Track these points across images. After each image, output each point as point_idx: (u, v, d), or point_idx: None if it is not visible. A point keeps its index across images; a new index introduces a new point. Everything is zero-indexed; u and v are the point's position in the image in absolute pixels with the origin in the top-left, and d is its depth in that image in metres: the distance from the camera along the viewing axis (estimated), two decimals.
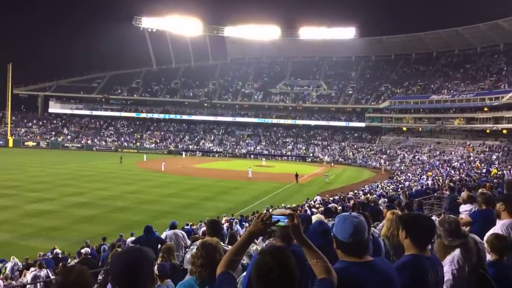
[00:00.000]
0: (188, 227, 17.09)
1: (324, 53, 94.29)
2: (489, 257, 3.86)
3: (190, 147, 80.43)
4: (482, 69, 74.21)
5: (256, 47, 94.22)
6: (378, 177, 48.91)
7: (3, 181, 35.09)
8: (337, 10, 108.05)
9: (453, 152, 55.82)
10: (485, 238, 4.09)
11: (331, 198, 26.13)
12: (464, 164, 43.46)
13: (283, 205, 22.71)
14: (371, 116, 78.60)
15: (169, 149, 79.01)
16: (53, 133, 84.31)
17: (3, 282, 10.63)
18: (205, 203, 29.86)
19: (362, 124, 79.42)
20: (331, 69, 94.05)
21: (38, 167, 46.67)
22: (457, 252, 3.55)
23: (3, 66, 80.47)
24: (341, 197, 26.28)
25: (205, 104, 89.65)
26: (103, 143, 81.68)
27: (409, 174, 44.06)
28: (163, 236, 10.34)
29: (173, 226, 10.63)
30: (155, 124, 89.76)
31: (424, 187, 24.78)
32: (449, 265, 3.47)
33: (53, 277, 10.21)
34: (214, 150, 79.01)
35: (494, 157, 46.07)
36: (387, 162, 63.06)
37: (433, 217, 9.95)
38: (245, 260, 5.09)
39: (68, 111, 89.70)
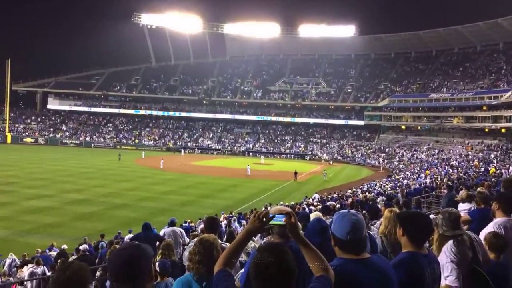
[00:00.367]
0: (186, 224, 17.08)
1: (323, 51, 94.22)
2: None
3: (189, 144, 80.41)
4: (481, 67, 74.27)
5: (255, 44, 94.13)
6: (377, 175, 48.97)
7: (1, 178, 35.04)
8: (337, 8, 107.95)
9: (451, 151, 55.90)
10: (482, 236, 4.11)
11: (330, 196, 26.14)
12: (462, 163, 43.50)
13: (281, 202, 22.73)
14: (370, 114, 78.64)
15: (167, 146, 78.97)
16: (52, 129, 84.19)
17: (1, 278, 10.62)
18: (203, 200, 29.87)
19: (361, 122, 79.45)
20: (330, 67, 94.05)
21: (37, 163, 46.61)
22: (450, 242, 3.59)
23: (1, 62, 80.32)
24: (340, 195, 26.30)
25: (204, 102, 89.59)
26: (102, 139, 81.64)
27: (407, 173, 44.11)
28: (161, 233, 10.34)
29: (172, 223, 10.63)
30: (153, 121, 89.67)
31: (423, 185, 24.83)
32: (444, 256, 3.50)
33: (49, 273, 10.20)
34: (213, 147, 79.01)
35: (492, 156, 46.14)
36: (385, 161, 63.15)
37: (431, 216, 9.97)
38: (243, 257, 5.10)
39: (67, 108, 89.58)
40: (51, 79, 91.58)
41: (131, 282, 2.03)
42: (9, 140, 76.35)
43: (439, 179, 28.12)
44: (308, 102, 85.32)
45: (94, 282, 9.25)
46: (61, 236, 18.93)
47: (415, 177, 36.88)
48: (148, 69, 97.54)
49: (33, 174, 38.30)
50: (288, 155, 74.86)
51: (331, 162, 64.67)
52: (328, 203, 16.22)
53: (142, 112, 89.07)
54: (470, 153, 51.14)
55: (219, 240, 4.24)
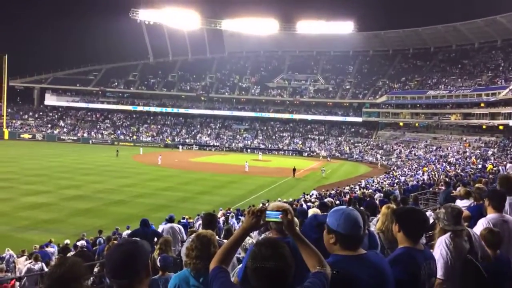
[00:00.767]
0: (184, 220, 17.10)
1: (322, 48, 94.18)
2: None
3: (187, 140, 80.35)
4: (479, 64, 74.35)
5: (253, 41, 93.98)
6: (375, 172, 49.09)
7: None
8: (335, 4, 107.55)
9: (449, 148, 56.02)
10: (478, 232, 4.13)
11: (328, 193, 26.20)
12: (460, 160, 43.63)
13: (279, 199, 22.75)
14: (368, 111, 78.71)
15: (165, 142, 78.90)
16: (49, 125, 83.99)
17: None
18: (201, 197, 29.90)
19: (359, 119, 79.53)
20: (328, 63, 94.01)
21: (34, 159, 46.52)
22: (446, 235, 3.62)
23: None
24: (338, 192, 26.36)
25: (202, 98, 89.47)
26: (100, 136, 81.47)
27: (405, 169, 44.22)
28: (159, 229, 10.36)
29: (170, 220, 10.63)
30: (151, 118, 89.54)
31: (420, 182, 24.91)
32: (437, 246, 3.54)
33: (47, 270, 10.20)
34: (211, 144, 78.96)
35: (490, 152, 46.26)
36: (383, 157, 63.27)
37: (428, 212, 10.00)
38: (241, 254, 5.12)
39: (64, 104, 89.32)
40: (49, 75, 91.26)
41: (129, 279, 2.04)
42: (6, 136, 76.08)
43: (436, 176, 28.22)
44: (306, 98, 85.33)
45: (92, 278, 9.26)
46: (59, 232, 18.93)
47: (412, 173, 36.99)
48: (146, 65, 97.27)
49: (31, 170, 38.24)
50: (286, 151, 74.89)
51: (329, 159, 64.74)
52: (326, 200, 16.24)
53: (140, 108, 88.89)
54: (467, 150, 51.26)
55: (217, 237, 4.25)
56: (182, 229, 10.05)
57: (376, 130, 78.42)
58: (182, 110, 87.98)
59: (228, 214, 18.72)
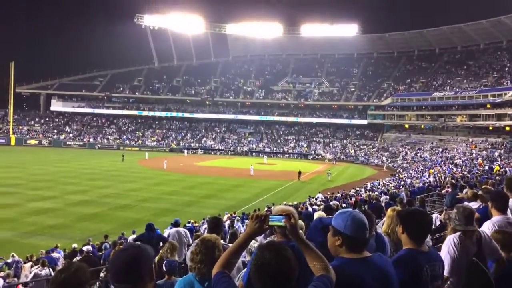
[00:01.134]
0: (190, 224, 17.09)
1: (326, 50, 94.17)
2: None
3: (192, 145, 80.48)
4: (485, 66, 74.00)
5: (258, 44, 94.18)
6: (380, 174, 48.89)
7: (5, 179, 35.19)
8: (339, 7, 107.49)
9: (455, 149, 55.69)
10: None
11: (333, 196, 26.12)
12: (466, 161, 43.35)
13: (284, 202, 22.69)
14: (373, 113, 78.49)
15: (171, 147, 79.10)
16: (55, 131, 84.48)
17: (6, 279, 10.62)
18: (206, 200, 29.90)
19: (364, 122, 79.32)
20: (333, 66, 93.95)
21: (40, 165, 46.79)
22: (456, 234, 3.61)
23: (5, 65, 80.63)
24: (343, 195, 26.27)
25: (207, 102, 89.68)
26: (105, 141, 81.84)
27: (411, 172, 43.99)
28: (165, 234, 10.34)
29: (176, 224, 10.62)
30: (157, 122, 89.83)
31: (426, 184, 24.76)
32: (445, 244, 3.53)
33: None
34: (216, 148, 79.06)
35: (496, 154, 45.94)
36: (389, 160, 63.03)
37: (435, 214, 9.94)
38: (246, 257, 5.11)
39: (70, 109, 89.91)
40: (55, 81, 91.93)
41: (132, 283, 2.02)
42: (13, 142, 76.67)
43: (442, 178, 28.04)
44: (311, 101, 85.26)
45: (98, 283, 9.27)
46: (65, 237, 19.00)
47: (418, 176, 36.78)
48: (151, 70, 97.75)
49: (37, 175, 38.45)
50: (291, 154, 74.80)
51: (334, 162, 64.58)
52: (331, 203, 16.20)
53: (145, 113, 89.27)
54: (474, 151, 50.94)
55: (221, 241, 4.24)
56: (188, 233, 10.04)
57: (382, 133, 78.16)
58: (187, 115, 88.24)
59: (233, 218, 18.70)
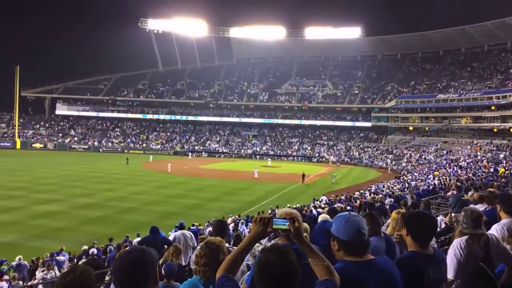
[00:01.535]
0: (194, 227, 17.11)
1: (329, 53, 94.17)
2: None
3: (196, 148, 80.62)
4: (489, 67, 73.68)
5: (261, 47, 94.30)
6: (385, 177, 48.70)
7: (11, 183, 35.39)
8: (342, 10, 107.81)
9: (460, 152, 55.39)
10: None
11: (337, 198, 26.04)
12: (471, 164, 43.09)
13: (288, 205, 22.67)
14: (377, 115, 78.28)
15: (175, 150, 79.24)
16: (60, 134, 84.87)
17: (12, 282, 10.65)
18: (211, 203, 29.90)
19: (368, 124, 79.14)
20: (336, 68, 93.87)
21: (46, 168, 46.99)
22: (463, 238, 3.58)
23: (10, 69, 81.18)
24: (347, 197, 26.19)
25: (211, 105, 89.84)
26: (110, 144, 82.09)
27: (415, 174, 43.78)
28: (171, 237, 10.34)
29: (181, 227, 10.62)
30: (161, 125, 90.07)
31: (431, 187, 24.64)
32: (451, 247, 3.52)
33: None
34: (220, 150, 79.10)
35: (501, 156, 45.60)
36: (393, 162, 62.78)
37: (440, 217, 9.90)
38: (250, 260, 5.10)
39: (75, 113, 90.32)
40: (60, 85, 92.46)
41: (136, 286, 2.02)
42: (18, 145, 77.08)
43: (447, 180, 27.89)
44: (315, 104, 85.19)
45: (102, 286, 9.28)
46: (70, 240, 19.05)
47: (423, 178, 36.59)
48: (155, 73, 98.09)
49: (42, 179, 38.61)
50: (295, 157, 74.72)
51: (338, 164, 64.42)
52: (335, 205, 16.17)
53: (149, 116, 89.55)
54: (478, 153, 50.64)
55: (226, 244, 4.24)
56: (193, 236, 10.04)
57: (386, 135, 77.92)
58: (191, 118, 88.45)
59: (238, 221, 18.70)
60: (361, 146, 76.16)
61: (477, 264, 3.35)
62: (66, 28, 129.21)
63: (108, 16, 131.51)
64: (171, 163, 51.55)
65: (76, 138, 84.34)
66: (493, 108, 60.36)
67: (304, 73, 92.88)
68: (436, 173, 38.31)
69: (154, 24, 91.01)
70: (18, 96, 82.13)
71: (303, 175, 43.06)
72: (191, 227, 16.61)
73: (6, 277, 10.62)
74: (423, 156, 60.37)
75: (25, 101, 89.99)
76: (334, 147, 77.49)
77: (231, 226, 15.94)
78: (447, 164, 47.07)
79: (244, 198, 32.25)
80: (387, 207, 11.39)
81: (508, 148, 50.07)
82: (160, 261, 5.71)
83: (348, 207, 17.58)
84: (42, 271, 10.98)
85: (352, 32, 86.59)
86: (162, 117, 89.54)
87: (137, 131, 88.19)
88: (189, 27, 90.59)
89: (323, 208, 18.20)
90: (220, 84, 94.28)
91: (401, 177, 42.35)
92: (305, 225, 5.31)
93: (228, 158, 73.64)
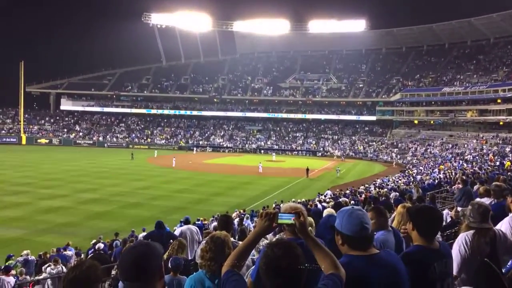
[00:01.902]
0: (199, 222, 17.16)
1: (334, 47, 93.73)
2: None
3: (201, 142, 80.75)
4: (495, 60, 73.12)
5: (265, 41, 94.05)
6: (390, 171, 48.60)
7: (16, 178, 35.61)
8: (347, 3, 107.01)
9: (465, 145, 55.14)
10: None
11: (342, 193, 26.02)
12: (477, 157, 42.87)
13: (293, 199, 22.67)
14: (382, 109, 77.99)
15: (179, 145, 79.42)
16: (65, 130, 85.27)
17: (19, 277, 10.73)
18: (215, 198, 29.98)
19: (373, 118, 78.89)
20: (341, 62, 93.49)
21: (51, 164, 47.25)
22: (469, 232, 3.56)
23: (15, 64, 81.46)
24: (352, 192, 26.15)
25: (215, 100, 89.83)
26: (115, 139, 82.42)
27: (421, 168, 43.66)
28: (177, 231, 10.37)
29: (187, 221, 10.65)
30: (165, 120, 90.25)
31: (437, 180, 24.55)
32: (456, 242, 3.50)
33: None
34: (224, 145, 79.21)
35: (507, 149, 45.32)
36: (398, 156, 62.62)
37: (445, 211, 9.86)
38: (255, 255, 5.11)
39: (80, 108, 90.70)
40: (64, 81, 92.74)
41: (142, 281, 2.03)
42: (24, 141, 77.54)
43: (453, 174, 27.76)
44: (319, 98, 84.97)
45: (109, 281, 9.35)
46: (76, 235, 19.19)
47: (428, 172, 36.47)
48: (159, 68, 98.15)
49: (48, 174, 38.84)
50: (300, 151, 74.69)
51: (343, 158, 64.34)
52: (341, 199, 16.14)
53: (153, 111, 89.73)
54: (484, 147, 50.37)
55: (232, 238, 4.25)
56: (199, 230, 10.07)
57: (391, 129, 77.66)
58: (195, 112, 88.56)
59: (243, 216, 18.72)
60: (366, 140, 75.96)
61: (483, 260, 3.32)
62: (70, 23, 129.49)
63: (111, 11, 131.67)
64: (176, 158, 51.67)
65: (81, 134, 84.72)
66: (499, 101, 59.96)
67: (308, 67, 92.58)
68: (441, 166, 38.18)
69: (157, 19, 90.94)
70: (23, 92, 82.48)
71: (307, 170, 43.05)
72: (196, 222, 16.65)
73: (13, 272, 10.70)
74: (429, 150, 60.16)
75: (30, 96, 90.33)
76: (339, 141, 77.36)
77: (236, 221, 15.95)
78: (453, 158, 46.88)
79: (249, 193, 32.30)
80: (392, 201, 11.35)
81: None
82: (165, 256, 5.73)
83: (353, 201, 17.55)
84: (49, 266, 11.06)
85: (356, 25, 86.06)
86: (166, 112, 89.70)
87: (142, 126, 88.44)
88: (192, 22, 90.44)
89: (328, 203, 18.19)
90: (224, 79, 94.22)
91: (406, 171, 42.25)
92: (310, 219, 5.30)
93: (233, 152, 73.73)
